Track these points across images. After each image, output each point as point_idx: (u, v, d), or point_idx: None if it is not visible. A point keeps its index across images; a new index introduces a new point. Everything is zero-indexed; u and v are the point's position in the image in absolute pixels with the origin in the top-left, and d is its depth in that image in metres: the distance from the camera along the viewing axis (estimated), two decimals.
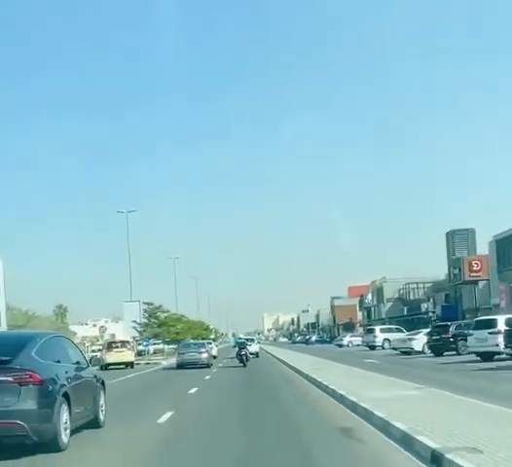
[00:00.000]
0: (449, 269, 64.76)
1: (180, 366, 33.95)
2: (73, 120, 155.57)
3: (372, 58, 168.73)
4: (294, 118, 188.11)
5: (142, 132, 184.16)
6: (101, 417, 10.92)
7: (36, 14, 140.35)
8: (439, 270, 72.50)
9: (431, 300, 69.86)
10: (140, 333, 50.13)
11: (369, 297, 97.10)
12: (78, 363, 10.25)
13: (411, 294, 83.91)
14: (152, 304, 52.74)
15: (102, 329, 49.01)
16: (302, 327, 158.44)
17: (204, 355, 34.47)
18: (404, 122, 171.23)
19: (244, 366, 31.55)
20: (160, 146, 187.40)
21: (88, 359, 12.43)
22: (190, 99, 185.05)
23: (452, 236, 65.52)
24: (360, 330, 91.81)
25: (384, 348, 48.03)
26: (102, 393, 11.17)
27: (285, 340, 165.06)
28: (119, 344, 38.98)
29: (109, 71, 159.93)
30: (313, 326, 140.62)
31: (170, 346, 64.87)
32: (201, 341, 43.15)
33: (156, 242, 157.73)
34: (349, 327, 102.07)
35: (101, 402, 11.02)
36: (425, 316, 61.22)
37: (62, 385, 8.90)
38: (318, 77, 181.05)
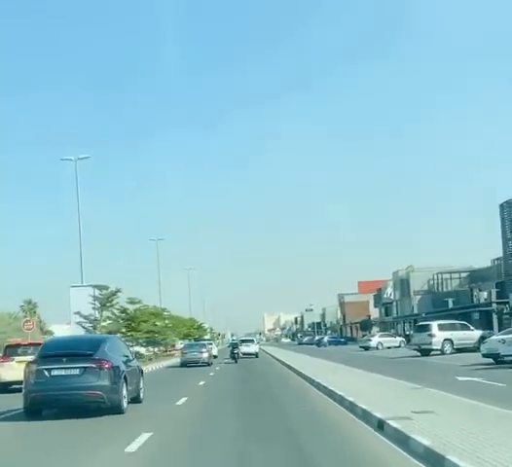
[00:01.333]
0: (506, 250, 50.26)
1: (183, 364, 36.86)
2: (72, 117, 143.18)
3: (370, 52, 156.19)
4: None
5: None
6: (141, 396, 15.31)
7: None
8: (471, 259, 59.69)
9: (477, 290, 55.62)
10: (88, 330, 34.87)
11: (388, 291, 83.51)
12: (127, 356, 14.86)
13: (443, 285, 69.80)
14: (107, 287, 36.86)
15: (27, 325, 34.28)
16: (306, 327, 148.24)
17: (205, 355, 37.15)
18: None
19: (236, 362, 37.56)
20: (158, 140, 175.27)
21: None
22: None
23: (508, 209, 50.92)
24: (376, 329, 79.85)
25: (443, 353, 33.55)
26: (141, 379, 15.63)
27: (288, 340, 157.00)
28: (23, 351, 20.68)
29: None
30: (319, 325, 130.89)
31: (148, 349, 50.72)
32: (202, 342, 44.56)
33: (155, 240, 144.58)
34: (367, 325, 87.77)
35: (141, 385, 15.44)
36: (489, 308, 46.53)
37: (123, 371, 13.61)
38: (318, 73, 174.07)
